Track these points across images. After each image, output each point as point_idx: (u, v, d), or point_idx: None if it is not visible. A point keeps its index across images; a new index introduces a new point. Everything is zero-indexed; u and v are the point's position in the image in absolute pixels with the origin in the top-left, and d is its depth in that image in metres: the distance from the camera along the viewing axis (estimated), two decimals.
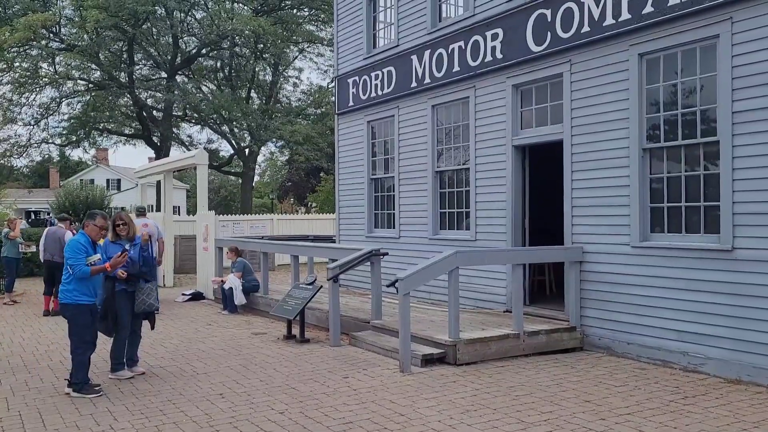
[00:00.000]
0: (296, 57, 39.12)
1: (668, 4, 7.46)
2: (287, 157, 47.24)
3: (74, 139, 37.53)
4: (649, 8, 7.67)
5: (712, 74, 7.17)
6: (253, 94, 38.70)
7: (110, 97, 34.31)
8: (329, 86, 36.37)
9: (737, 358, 6.83)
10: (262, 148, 39.38)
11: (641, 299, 7.80)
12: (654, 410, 5.84)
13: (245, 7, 35.59)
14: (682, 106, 7.53)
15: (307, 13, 37.04)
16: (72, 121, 36.10)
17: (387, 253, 9.58)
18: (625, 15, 7.93)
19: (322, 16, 35.76)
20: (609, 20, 8.13)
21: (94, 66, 33.19)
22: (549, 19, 8.92)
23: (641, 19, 7.74)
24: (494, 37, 9.84)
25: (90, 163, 62.17)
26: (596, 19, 8.29)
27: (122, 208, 32.25)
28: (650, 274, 7.72)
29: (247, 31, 31.72)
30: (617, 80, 8.12)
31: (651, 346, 7.66)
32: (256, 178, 53.71)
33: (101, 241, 7.05)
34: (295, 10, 36.61)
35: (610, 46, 8.20)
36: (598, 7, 8.26)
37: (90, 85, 34.94)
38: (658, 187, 7.81)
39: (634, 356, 7.81)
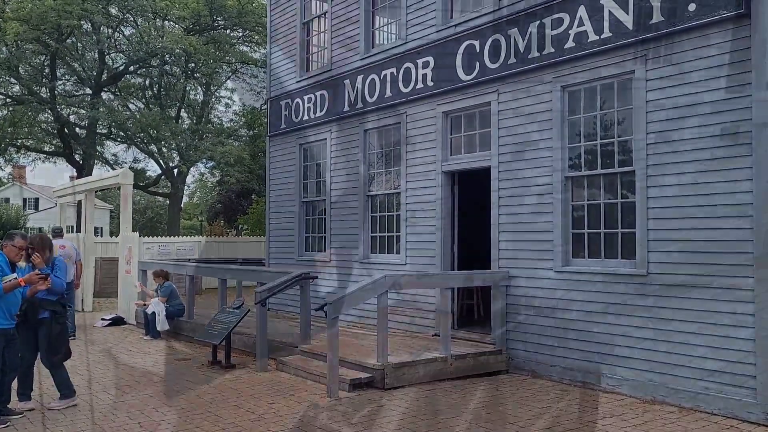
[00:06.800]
0: (229, 77, 38.65)
1: (588, 40, 7.85)
2: (218, 179, 46.33)
3: None
4: (570, 43, 8.04)
5: (629, 107, 7.56)
6: (183, 113, 37.87)
7: (29, 113, 32.79)
8: (262, 108, 36.09)
9: (651, 379, 7.12)
10: (192, 168, 38.50)
11: (563, 322, 8.04)
12: (574, 431, 5.99)
13: (176, 26, 34.97)
14: (601, 137, 7.90)
15: (240, 34, 36.76)
16: None
17: (317, 277, 9.54)
18: (549, 48, 8.29)
19: (256, 37, 35.54)
20: (534, 53, 8.47)
21: (12, 80, 31.73)
22: (477, 50, 9.20)
23: (564, 53, 8.10)
24: (425, 64, 10.06)
25: (5, 181, 59.04)
26: (522, 51, 8.61)
27: (39, 229, 30.68)
28: (572, 297, 7.97)
29: (177, 50, 31.15)
30: (542, 110, 8.44)
31: (572, 368, 7.88)
32: (185, 199, 52.37)
33: (22, 264, 6.75)
34: (228, 31, 36.26)
35: (535, 78, 8.53)
36: (523, 40, 8.59)
37: (8, 100, 33.34)
38: (580, 213, 8.12)
39: (557, 378, 8.01)
